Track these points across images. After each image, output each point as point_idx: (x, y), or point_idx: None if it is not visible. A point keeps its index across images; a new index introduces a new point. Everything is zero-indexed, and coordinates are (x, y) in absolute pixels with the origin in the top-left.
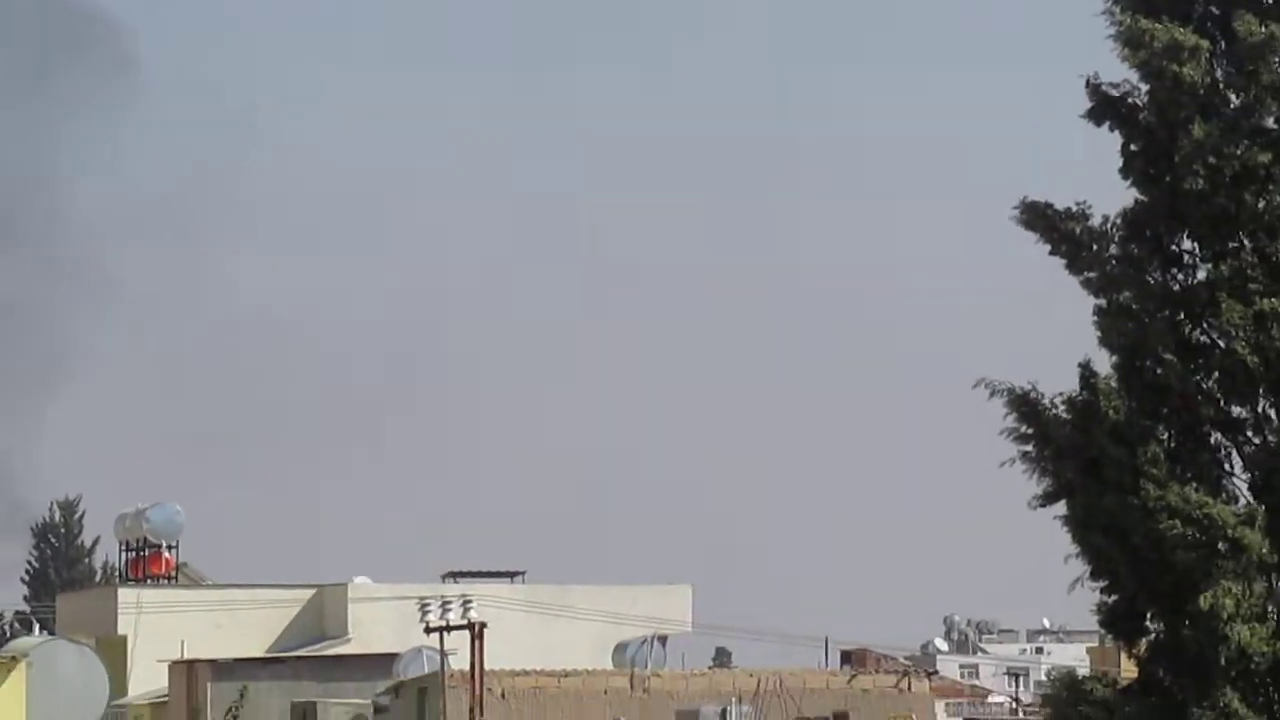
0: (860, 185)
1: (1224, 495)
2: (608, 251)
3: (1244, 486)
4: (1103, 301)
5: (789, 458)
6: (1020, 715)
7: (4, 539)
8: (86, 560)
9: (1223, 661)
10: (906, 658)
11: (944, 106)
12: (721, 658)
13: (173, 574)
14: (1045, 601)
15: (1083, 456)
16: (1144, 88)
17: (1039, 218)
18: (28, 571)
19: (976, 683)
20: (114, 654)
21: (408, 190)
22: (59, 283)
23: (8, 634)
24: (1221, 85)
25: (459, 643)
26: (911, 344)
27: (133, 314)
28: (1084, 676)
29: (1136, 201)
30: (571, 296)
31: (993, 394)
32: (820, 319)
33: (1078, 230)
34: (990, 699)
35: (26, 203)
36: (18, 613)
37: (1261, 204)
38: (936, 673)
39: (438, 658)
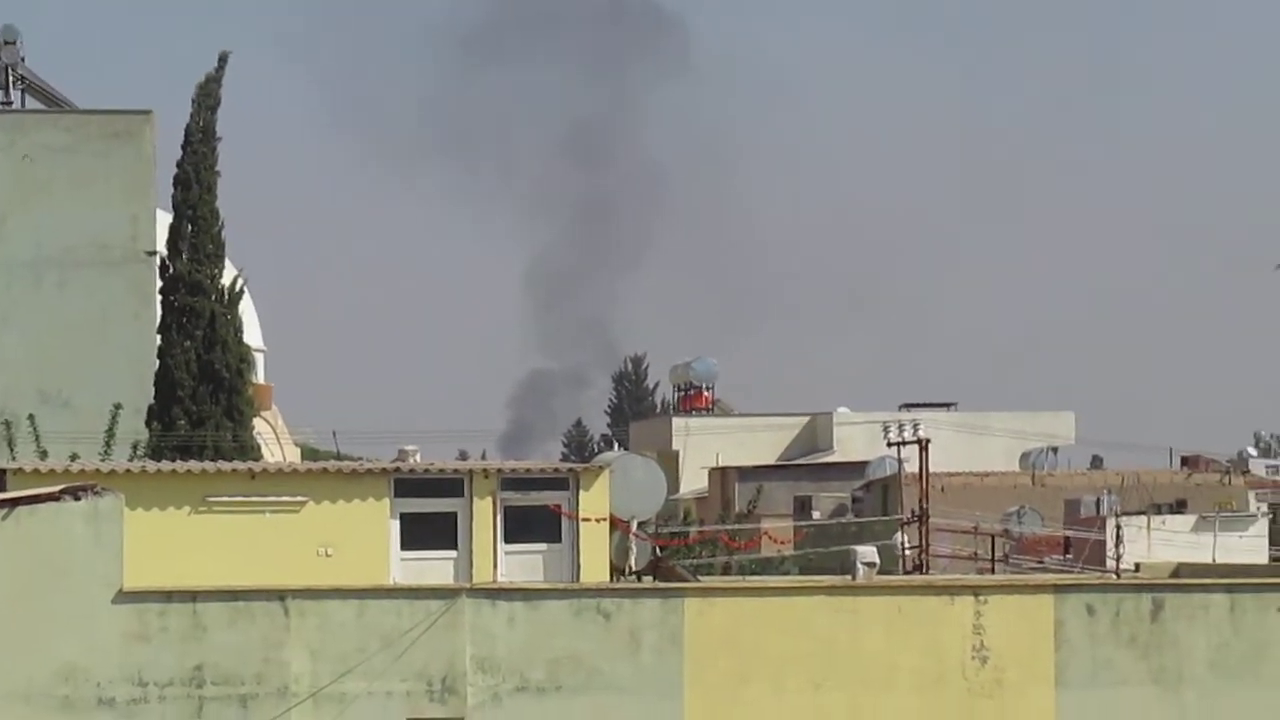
0: None
1: None
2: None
3: None
4: None
5: (1151, 313)
6: None
7: (597, 372)
8: (650, 398)
9: None
10: (1228, 461)
11: None
12: (1096, 462)
13: (710, 407)
14: None
15: None
16: None
17: None
18: (609, 406)
19: (1279, 478)
20: (669, 464)
21: None
22: (635, 183)
23: (596, 450)
24: None
25: (911, 453)
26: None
27: (685, 218)
28: None
29: None
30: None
31: None
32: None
33: None
34: None
35: (614, 127)
36: (603, 435)
37: None
38: (1249, 472)
39: (896, 464)
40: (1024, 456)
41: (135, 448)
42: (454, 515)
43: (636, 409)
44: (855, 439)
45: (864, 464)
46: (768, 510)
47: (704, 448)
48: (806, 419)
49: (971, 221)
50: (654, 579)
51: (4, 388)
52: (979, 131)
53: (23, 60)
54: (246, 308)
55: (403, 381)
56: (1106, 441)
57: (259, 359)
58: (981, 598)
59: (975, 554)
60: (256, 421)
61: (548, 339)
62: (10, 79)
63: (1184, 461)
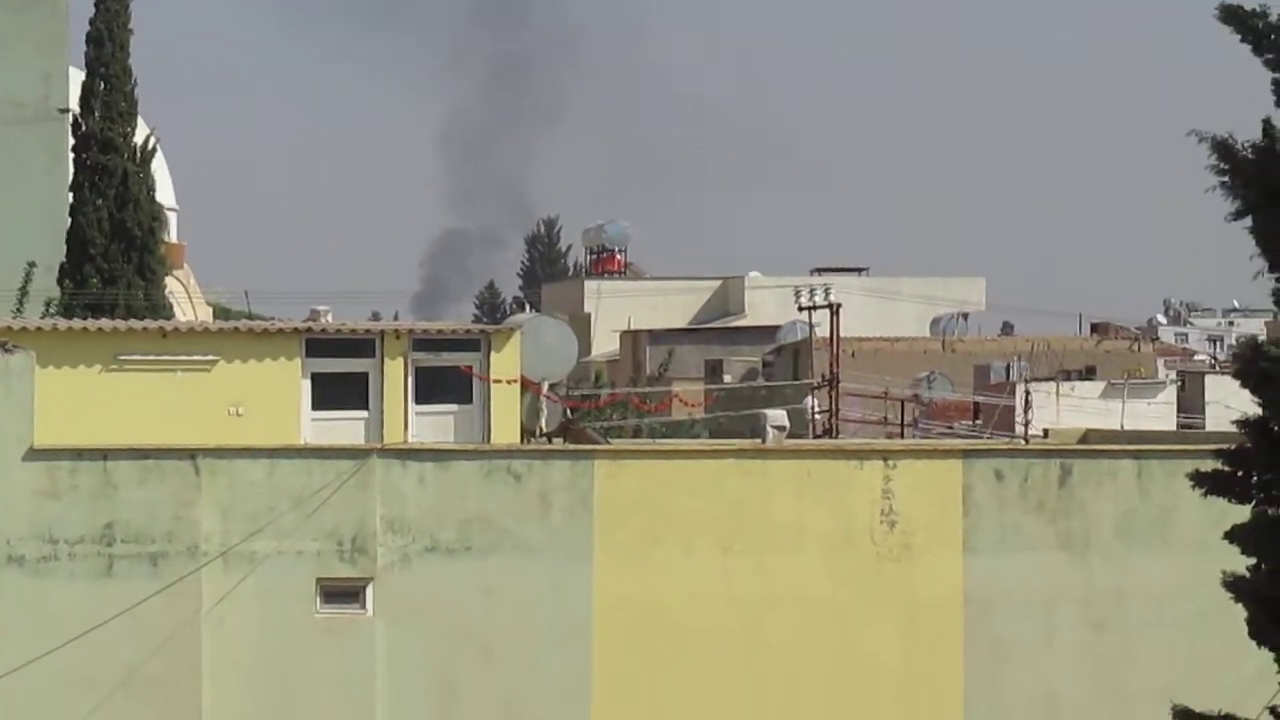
0: None
1: None
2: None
3: None
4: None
5: (1061, 179)
6: (1217, 369)
7: (511, 232)
8: (562, 260)
9: None
10: (1137, 328)
11: None
12: (1006, 328)
13: (622, 270)
14: (1237, 287)
15: (1262, 184)
16: None
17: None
18: (521, 269)
19: (1187, 346)
20: (581, 326)
21: None
22: (557, 46)
23: (508, 312)
24: None
25: (821, 318)
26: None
27: (599, 81)
28: (1262, 340)
29: None
30: None
31: (1200, 140)
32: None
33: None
34: (1195, 357)
35: None
36: (515, 297)
37: None
38: (1158, 339)
39: (807, 328)
40: (934, 322)
41: (47, 305)
42: (365, 376)
43: (549, 271)
44: (766, 303)
45: (775, 328)
46: (678, 374)
47: (615, 311)
48: (718, 283)
49: (883, 85)
50: (564, 441)
51: None
52: None
53: None
54: (159, 166)
55: (316, 241)
56: (1017, 307)
57: (171, 218)
58: (890, 462)
59: (885, 419)
60: (168, 280)
61: (462, 199)
62: None
63: (1094, 328)
